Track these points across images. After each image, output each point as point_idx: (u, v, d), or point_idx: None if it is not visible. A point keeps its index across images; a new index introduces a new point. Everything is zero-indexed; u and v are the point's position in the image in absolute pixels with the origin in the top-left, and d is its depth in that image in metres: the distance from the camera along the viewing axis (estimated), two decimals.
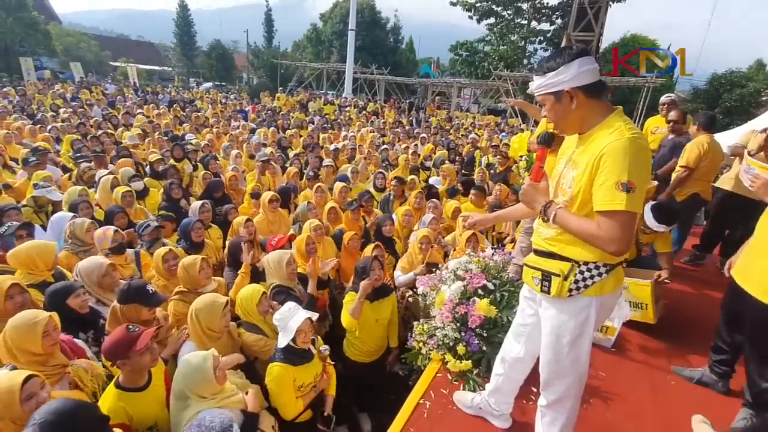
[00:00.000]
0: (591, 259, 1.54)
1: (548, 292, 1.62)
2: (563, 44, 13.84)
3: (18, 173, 5.14)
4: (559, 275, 1.58)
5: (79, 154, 5.85)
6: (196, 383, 1.89)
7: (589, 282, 1.55)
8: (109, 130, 7.89)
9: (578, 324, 1.61)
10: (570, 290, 1.57)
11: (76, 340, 2.22)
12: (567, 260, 1.57)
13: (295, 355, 2.29)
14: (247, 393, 2.09)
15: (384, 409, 2.78)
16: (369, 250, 3.35)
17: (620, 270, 1.61)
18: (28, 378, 1.61)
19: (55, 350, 1.97)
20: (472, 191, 5.09)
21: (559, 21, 27.70)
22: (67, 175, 5.32)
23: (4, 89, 14.03)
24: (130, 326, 1.91)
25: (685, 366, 2.79)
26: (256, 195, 4.69)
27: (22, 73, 21.86)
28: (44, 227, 3.72)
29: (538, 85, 1.55)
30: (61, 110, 9.94)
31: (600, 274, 1.55)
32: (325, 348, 2.47)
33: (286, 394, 2.26)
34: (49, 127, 7.81)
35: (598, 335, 2.96)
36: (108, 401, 1.86)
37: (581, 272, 1.55)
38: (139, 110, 11.75)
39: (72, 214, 3.60)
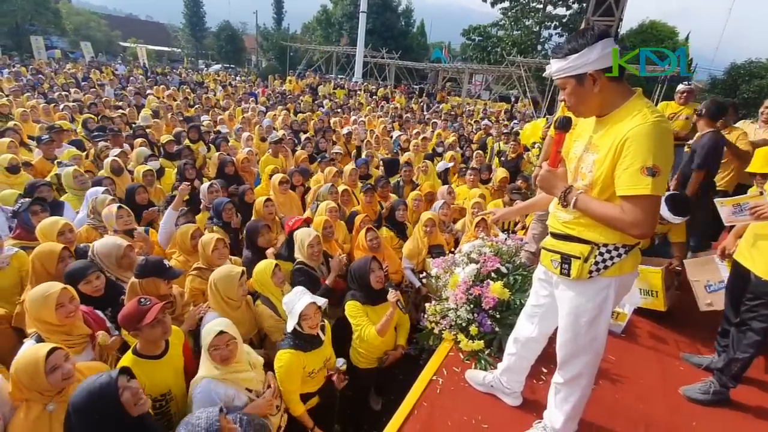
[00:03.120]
0: (611, 241, 1.55)
1: (568, 275, 1.63)
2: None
3: (35, 151, 5.22)
4: (579, 258, 1.59)
5: (96, 133, 5.90)
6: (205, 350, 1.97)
7: (609, 263, 1.57)
8: (124, 112, 7.95)
9: (597, 304, 1.63)
10: (590, 272, 1.58)
11: (97, 311, 2.29)
12: (586, 243, 1.59)
13: (303, 341, 2.29)
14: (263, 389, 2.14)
15: (393, 388, 2.86)
16: (362, 235, 3.39)
17: (638, 250, 1.63)
18: (52, 350, 1.67)
19: (74, 321, 2.04)
20: (468, 172, 5.10)
21: (575, 5, 27.03)
22: (84, 153, 5.40)
23: (15, 68, 14.08)
24: (143, 299, 1.97)
25: (694, 353, 2.82)
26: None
27: (33, 51, 21.91)
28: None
29: (558, 68, 1.51)
30: (73, 90, 9.99)
31: (619, 255, 1.56)
32: (342, 362, 2.50)
33: (293, 382, 2.26)
34: (62, 106, 7.88)
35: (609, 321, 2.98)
36: (123, 365, 1.94)
37: (601, 254, 1.57)
38: (149, 91, 11.77)
39: (103, 189, 3.62)
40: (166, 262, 2.42)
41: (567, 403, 1.84)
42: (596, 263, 1.57)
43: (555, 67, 1.52)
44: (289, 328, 2.29)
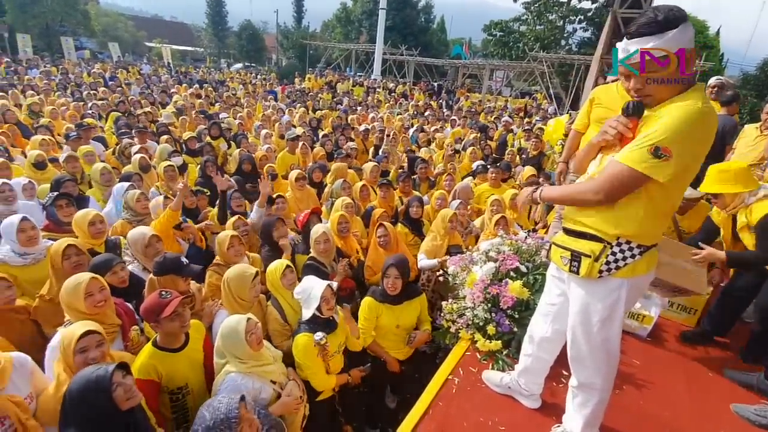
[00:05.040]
0: (624, 232, 1.48)
1: (577, 273, 1.58)
2: (608, 23, 13.03)
3: (64, 147, 5.41)
4: (589, 256, 1.53)
5: (122, 130, 6.08)
6: (229, 344, 2.01)
7: (621, 263, 1.51)
8: (149, 110, 8.17)
9: (608, 305, 1.57)
10: (600, 271, 1.52)
11: (126, 303, 2.35)
12: (599, 241, 1.52)
13: (320, 325, 2.33)
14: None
15: (409, 387, 2.83)
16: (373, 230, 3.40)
17: (654, 252, 1.56)
18: (87, 333, 1.73)
19: (104, 311, 2.10)
20: (491, 170, 5.00)
21: None
22: (110, 150, 5.56)
23: (46, 67, 14.68)
24: (163, 292, 2.01)
25: (731, 366, 2.65)
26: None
27: (63, 52, 22.74)
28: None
29: (655, 45, 1.32)
30: (101, 89, 10.31)
31: (633, 256, 1.50)
32: (367, 366, 2.60)
33: (314, 363, 2.31)
34: (90, 104, 8.14)
35: (634, 324, 2.88)
36: (142, 357, 1.99)
37: (613, 253, 1.50)
38: (173, 89, 12.06)
39: (128, 184, 3.74)
40: (184, 259, 2.45)
41: (586, 408, 1.77)
42: (607, 262, 1.51)
43: (651, 44, 1.32)
44: (307, 315, 2.31)
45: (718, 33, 28.14)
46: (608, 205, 1.48)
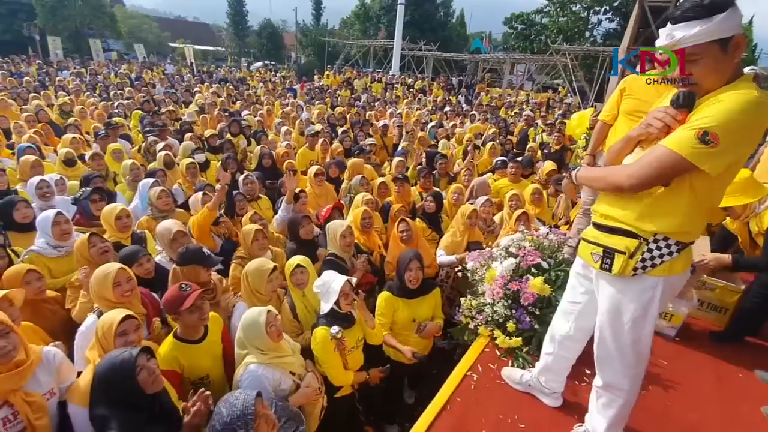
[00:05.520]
0: (661, 229, 1.40)
1: (609, 270, 1.50)
2: (635, 12, 12.60)
3: (93, 146, 5.60)
4: (624, 252, 1.45)
5: (147, 129, 6.26)
6: (251, 335, 2.04)
7: (657, 261, 1.43)
8: (172, 108, 8.37)
9: (641, 305, 1.50)
10: (635, 269, 1.45)
11: (152, 293, 2.43)
12: (634, 237, 1.45)
13: (338, 319, 2.34)
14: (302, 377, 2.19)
15: (427, 382, 2.82)
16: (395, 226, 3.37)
17: (691, 250, 1.48)
18: (126, 318, 1.82)
19: (131, 300, 2.17)
20: (510, 165, 4.90)
21: None
22: (136, 147, 5.73)
23: (76, 69, 15.27)
24: (183, 285, 2.06)
25: (760, 365, 2.54)
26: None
27: (92, 54, 23.53)
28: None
29: (701, 31, 1.23)
30: (126, 89, 10.64)
31: (671, 254, 1.42)
32: (386, 367, 2.61)
33: (332, 357, 2.32)
34: (116, 104, 8.41)
35: (662, 323, 2.78)
36: (164, 348, 2.05)
37: (650, 250, 1.42)
38: (196, 88, 12.33)
39: (153, 180, 3.85)
40: (205, 249, 2.51)
41: (610, 409, 1.72)
42: (643, 260, 1.43)
43: (694, 30, 1.24)
44: (326, 309, 2.33)
45: (751, 22, 26.85)
46: (639, 191, 1.40)
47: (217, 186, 3.27)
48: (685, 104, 1.34)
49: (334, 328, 2.27)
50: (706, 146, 1.22)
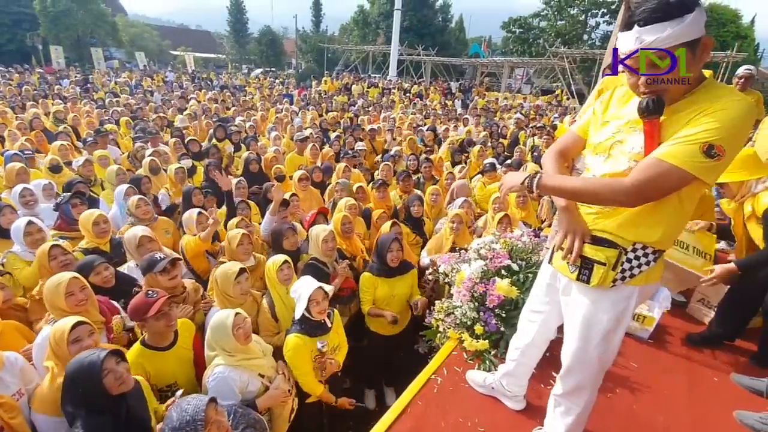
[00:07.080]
0: (644, 239, 1.34)
1: (587, 281, 1.43)
2: (621, 12, 12.51)
3: (83, 152, 5.66)
4: (604, 264, 1.38)
5: (136, 135, 6.31)
6: (218, 337, 2.06)
7: (636, 271, 1.37)
8: (162, 114, 8.43)
9: (615, 316, 1.44)
10: (614, 280, 1.39)
11: (112, 301, 2.42)
12: (614, 246, 1.38)
13: (311, 326, 2.35)
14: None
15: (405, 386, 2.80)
16: (387, 227, 3.35)
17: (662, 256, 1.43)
18: (77, 324, 1.82)
19: (86, 309, 2.15)
20: (502, 168, 4.91)
21: None
22: (125, 154, 5.78)
23: (76, 77, 15.46)
24: (150, 291, 2.06)
25: (737, 369, 2.50)
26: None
27: (94, 62, 23.82)
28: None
29: (673, 33, 1.14)
30: (123, 96, 10.75)
31: (648, 263, 1.36)
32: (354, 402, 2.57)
33: (304, 365, 2.32)
34: (111, 110, 8.49)
35: (634, 325, 2.76)
36: (131, 356, 2.03)
37: (629, 260, 1.37)
38: (192, 95, 12.43)
39: (127, 186, 3.87)
40: (158, 255, 2.49)
41: (568, 417, 1.70)
42: (623, 270, 1.38)
43: (666, 33, 1.14)
44: (298, 314, 2.33)
45: (752, 22, 26.81)
46: (634, 207, 1.32)
47: (209, 220, 3.19)
48: (655, 111, 1.25)
49: (320, 343, 2.32)
50: (712, 160, 1.15)
